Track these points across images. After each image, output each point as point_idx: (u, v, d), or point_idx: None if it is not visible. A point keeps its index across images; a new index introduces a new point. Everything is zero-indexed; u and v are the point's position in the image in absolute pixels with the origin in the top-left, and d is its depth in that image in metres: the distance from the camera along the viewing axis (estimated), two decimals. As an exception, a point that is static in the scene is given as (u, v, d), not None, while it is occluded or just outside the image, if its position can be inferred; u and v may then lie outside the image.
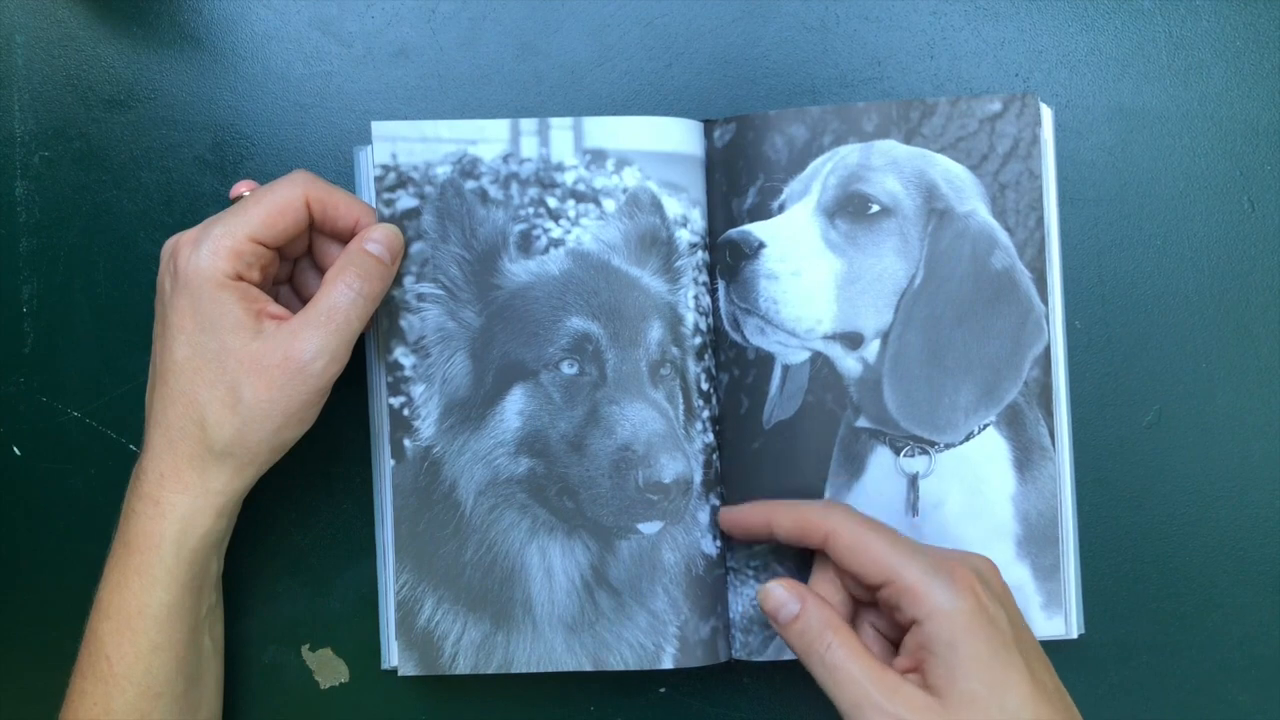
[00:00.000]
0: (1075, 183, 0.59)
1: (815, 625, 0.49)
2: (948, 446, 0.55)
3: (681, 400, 0.55)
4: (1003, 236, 0.55)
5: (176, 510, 0.50)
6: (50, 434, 0.59)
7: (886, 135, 0.55)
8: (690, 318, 0.55)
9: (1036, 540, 0.55)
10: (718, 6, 0.60)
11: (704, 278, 0.56)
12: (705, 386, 0.56)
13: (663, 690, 0.59)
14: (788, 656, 0.55)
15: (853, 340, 0.55)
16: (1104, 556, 0.59)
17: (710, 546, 0.55)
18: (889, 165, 0.55)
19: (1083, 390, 0.58)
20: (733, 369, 0.56)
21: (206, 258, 0.50)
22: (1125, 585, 0.59)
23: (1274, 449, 0.58)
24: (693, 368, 0.55)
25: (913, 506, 0.55)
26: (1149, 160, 0.59)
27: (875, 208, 0.55)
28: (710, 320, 0.56)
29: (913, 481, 0.55)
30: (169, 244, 0.52)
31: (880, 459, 0.55)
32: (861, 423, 0.55)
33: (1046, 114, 0.57)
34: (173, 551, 0.50)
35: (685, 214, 0.55)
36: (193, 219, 0.54)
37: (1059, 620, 0.55)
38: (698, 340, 0.56)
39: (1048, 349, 0.55)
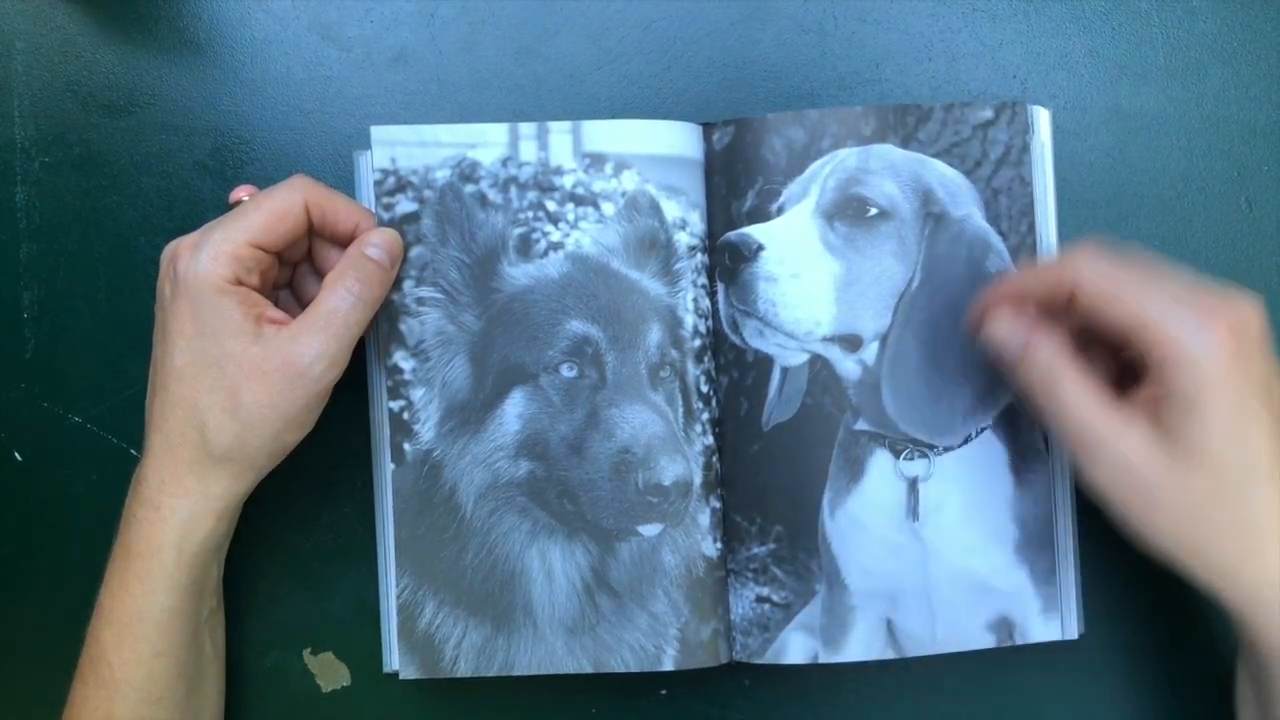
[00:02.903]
0: (1073, 184, 0.59)
1: (1042, 362, 0.48)
2: (946, 449, 0.55)
3: (681, 403, 0.55)
4: (996, 241, 0.55)
5: (177, 515, 0.50)
6: (51, 439, 0.60)
7: (883, 140, 0.55)
8: (689, 320, 0.55)
9: (1033, 544, 0.55)
10: (716, 10, 0.60)
11: (703, 280, 0.56)
12: (705, 389, 0.56)
13: (663, 692, 0.59)
14: (786, 660, 0.55)
15: (851, 342, 0.55)
16: (1104, 556, 0.59)
17: (710, 549, 0.55)
18: (886, 169, 0.55)
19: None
20: (732, 371, 0.56)
21: (206, 263, 0.50)
22: (1125, 585, 0.59)
23: (1273, 449, 0.58)
24: (692, 370, 0.55)
25: (913, 511, 0.55)
26: (1146, 161, 0.59)
27: (873, 210, 0.55)
28: (710, 323, 0.56)
29: (913, 485, 0.55)
30: (169, 249, 0.52)
31: (880, 462, 0.55)
32: (861, 425, 0.55)
33: (1044, 116, 0.57)
34: (173, 556, 0.50)
35: (684, 217, 0.56)
36: (193, 224, 0.54)
37: (1055, 624, 0.55)
38: (697, 343, 0.56)
39: None
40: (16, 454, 0.60)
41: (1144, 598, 0.59)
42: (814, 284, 0.55)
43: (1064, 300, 0.49)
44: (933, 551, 0.55)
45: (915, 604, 0.55)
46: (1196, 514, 0.46)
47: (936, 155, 0.55)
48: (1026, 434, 0.55)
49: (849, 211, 0.55)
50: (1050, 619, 0.55)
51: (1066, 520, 0.56)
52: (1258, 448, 0.45)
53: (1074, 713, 0.59)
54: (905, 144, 0.55)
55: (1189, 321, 0.45)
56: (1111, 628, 0.59)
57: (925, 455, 0.55)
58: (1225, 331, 0.45)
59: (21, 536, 0.60)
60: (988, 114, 0.55)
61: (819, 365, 0.55)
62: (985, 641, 0.55)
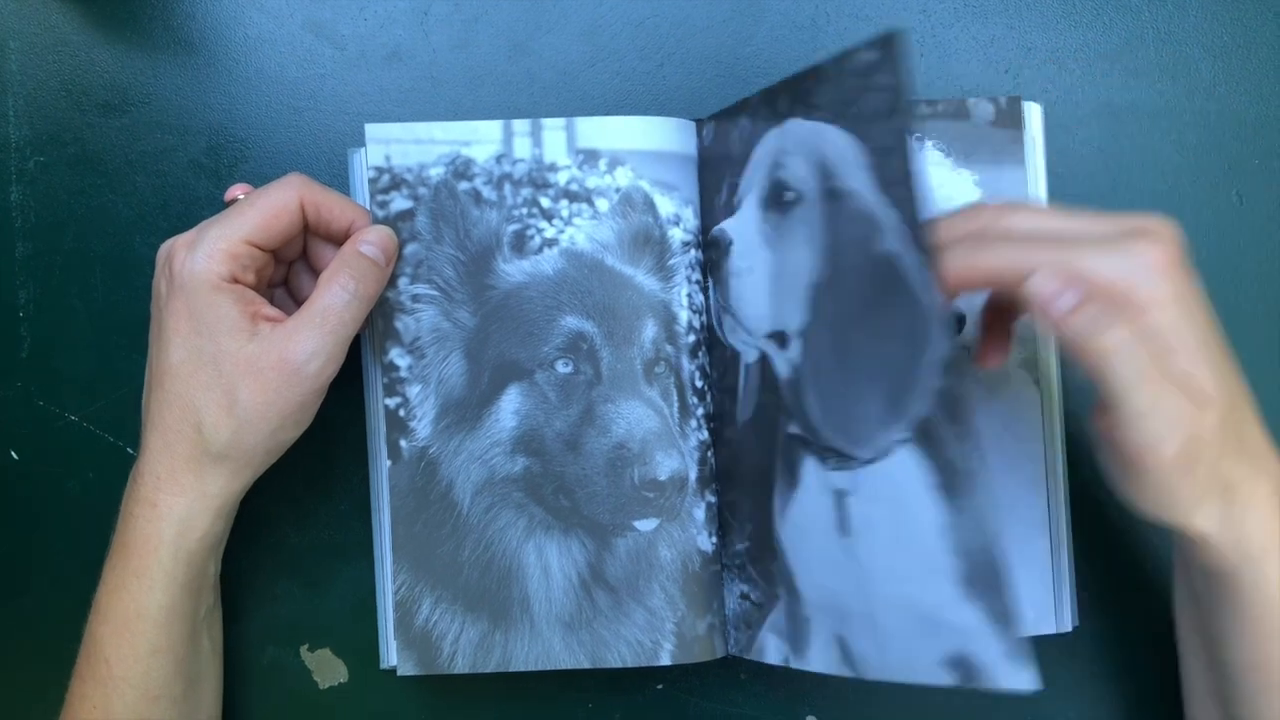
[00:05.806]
0: (1064, 179, 0.59)
1: (1100, 318, 0.44)
2: (868, 462, 0.47)
3: (676, 398, 0.55)
4: (883, 214, 0.46)
5: (174, 513, 0.51)
6: (47, 438, 0.60)
7: (792, 113, 0.49)
8: (684, 315, 0.56)
9: (980, 580, 0.44)
10: (709, 6, 0.60)
11: (697, 276, 0.56)
12: (699, 384, 0.56)
13: (660, 686, 0.59)
14: (766, 659, 0.54)
15: (780, 339, 0.52)
16: (1097, 549, 0.59)
17: (706, 543, 0.55)
18: (796, 146, 0.49)
19: (1076, 386, 0.58)
20: (720, 366, 0.56)
21: (202, 261, 0.50)
22: (1120, 578, 0.59)
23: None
24: (687, 365, 0.56)
25: (842, 525, 0.49)
26: (1138, 155, 0.59)
27: (790, 195, 0.51)
28: (703, 318, 0.56)
29: (840, 498, 0.49)
30: (164, 247, 0.53)
31: (810, 470, 0.50)
32: (792, 429, 0.51)
33: (1036, 111, 0.57)
34: (170, 554, 0.51)
35: (678, 212, 0.56)
36: (188, 222, 0.54)
37: (1027, 673, 0.43)
38: (691, 338, 0.56)
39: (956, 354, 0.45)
40: (13, 453, 0.60)
41: (1139, 591, 0.59)
42: (760, 278, 0.52)
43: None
44: (869, 573, 0.48)
45: (863, 626, 0.49)
46: None
47: (835, 120, 0.47)
48: (953, 452, 0.45)
49: (776, 198, 0.51)
50: (1019, 666, 0.43)
51: (1060, 511, 0.56)
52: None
53: (1070, 707, 0.59)
54: (809, 114, 0.48)
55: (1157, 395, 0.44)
56: (1107, 621, 0.59)
57: (848, 467, 0.48)
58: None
59: (18, 535, 0.60)
60: (871, 56, 0.45)
61: (764, 363, 0.52)
62: (943, 679, 0.46)
